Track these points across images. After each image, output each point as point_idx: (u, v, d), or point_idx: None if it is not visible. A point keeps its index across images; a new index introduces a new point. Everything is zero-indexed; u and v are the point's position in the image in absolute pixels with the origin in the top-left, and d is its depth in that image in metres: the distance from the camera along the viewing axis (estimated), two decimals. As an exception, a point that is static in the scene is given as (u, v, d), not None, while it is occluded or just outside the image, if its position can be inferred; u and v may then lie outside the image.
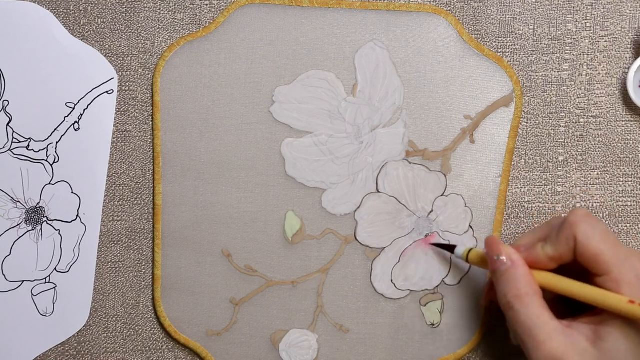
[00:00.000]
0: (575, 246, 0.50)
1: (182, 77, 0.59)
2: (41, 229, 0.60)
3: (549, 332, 0.49)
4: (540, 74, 0.60)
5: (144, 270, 0.61)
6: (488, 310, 0.59)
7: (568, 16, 0.60)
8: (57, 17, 0.60)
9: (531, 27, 0.60)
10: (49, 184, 0.60)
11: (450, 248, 0.58)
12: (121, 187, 0.60)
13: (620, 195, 0.60)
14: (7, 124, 0.60)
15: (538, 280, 0.51)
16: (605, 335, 0.48)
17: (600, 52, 0.60)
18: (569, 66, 0.60)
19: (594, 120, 0.60)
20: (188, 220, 0.60)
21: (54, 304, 0.60)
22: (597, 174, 0.60)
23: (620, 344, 0.48)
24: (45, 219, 0.60)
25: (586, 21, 0.60)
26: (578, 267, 0.51)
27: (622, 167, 0.60)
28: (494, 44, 0.60)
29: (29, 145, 0.60)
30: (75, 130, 0.60)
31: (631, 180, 0.60)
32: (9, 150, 0.60)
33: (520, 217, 0.60)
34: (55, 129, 0.60)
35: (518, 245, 0.53)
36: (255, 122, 0.59)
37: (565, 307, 0.53)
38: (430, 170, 0.59)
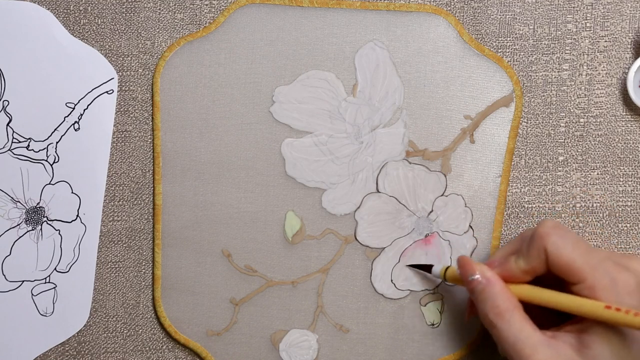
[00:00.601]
0: (547, 258, 0.50)
1: (182, 77, 0.60)
2: (41, 229, 0.60)
3: (534, 345, 0.49)
4: (540, 74, 0.60)
5: (144, 270, 0.61)
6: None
7: (568, 16, 0.60)
8: (57, 17, 0.60)
9: (531, 27, 0.60)
10: (49, 184, 0.60)
11: (427, 268, 0.58)
12: (121, 187, 0.61)
13: (620, 195, 0.60)
14: (7, 124, 0.60)
15: (515, 294, 0.51)
16: (589, 342, 0.48)
17: (600, 52, 0.60)
18: (569, 66, 0.60)
19: (594, 120, 0.60)
20: (188, 220, 0.60)
21: (54, 304, 0.60)
22: (597, 174, 0.60)
23: (605, 350, 0.48)
24: (45, 219, 0.60)
25: (586, 21, 0.60)
26: (553, 277, 0.51)
27: (622, 167, 0.60)
28: (494, 44, 0.60)
29: (29, 145, 0.60)
30: (75, 130, 0.60)
31: (631, 180, 0.60)
32: (9, 150, 0.60)
33: (520, 217, 0.60)
34: (55, 129, 0.60)
35: (491, 261, 0.53)
36: (255, 122, 0.59)
37: (548, 317, 0.53)
38: (430, 170, 0.59)
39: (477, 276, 0.51)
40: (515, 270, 0.51)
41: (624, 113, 0.60)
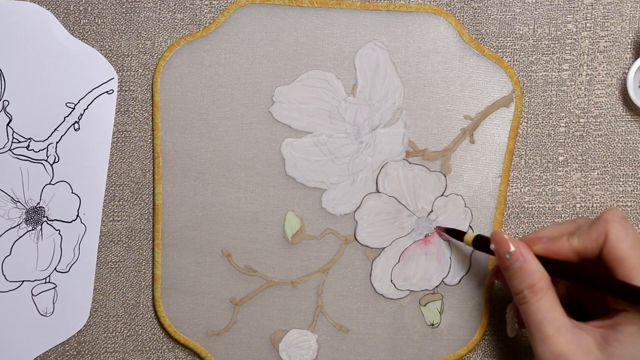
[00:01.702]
0: (604, 244, 0.50)
1: (182, 77, 0.60)
2: (41, 229, 0.60)
3: (558, 327, 0.49)
4: (540, 74, 0.60)
5: (144, 270, 0.61)
6: (488, 308, 0.59)
7: (568, 16, 0.60)
8: (57, 17, 0.60)
9: (531, 27, 0.60)
10: (49, 184, 0.60)
11: (460, 235, 0.57)
12: (121, 187, 0.61)
13: (620, 195, 0.60)
14: (7, 124, 0.60)
15: (559, 269, 0.51)
16: (614, 340, 0.48)
17: (600, 52, 0.60)
18: (569, 66, 0.60)
19: (594, 120, 0.60)
20: (188, 220, 0.60)
21: (54, 304, 0.60)
22: (597, 174, 0.60)
23: (628, 351, 0.48)
24: (45, 219, 0.60)
25: (586, 21, 0.60)
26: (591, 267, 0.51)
27: (622, 167, 0.60)
28: (494, 44, 0.60)
29: (29, 145, 0.60)
30: (75, 130, 0.60)
31: (631, 180, 0.60)
32: (9, 150, 0.60)
33: (520, 217, 0.60)
34: (55, 129, 0.60)
35: (539, 237, 0.52)
36: (255, 122, 0.59)
37: (576, 314, 0.53)
38: (430, 171, 0.59)
39: (514, 251, 0.51)
40: (566, 247, 0.51)
41: (624, 113, 0.60)
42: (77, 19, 0.60)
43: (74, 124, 0.60)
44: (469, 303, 0.59)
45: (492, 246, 0.52)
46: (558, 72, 0.60)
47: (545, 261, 0.51)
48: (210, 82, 0.59)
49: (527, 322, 0.50)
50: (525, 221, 0.60)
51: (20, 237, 0.60)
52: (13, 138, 0.60)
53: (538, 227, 0.60)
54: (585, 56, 0.60)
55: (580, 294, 0.55)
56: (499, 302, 0.60)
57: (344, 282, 0.60)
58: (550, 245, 0.51)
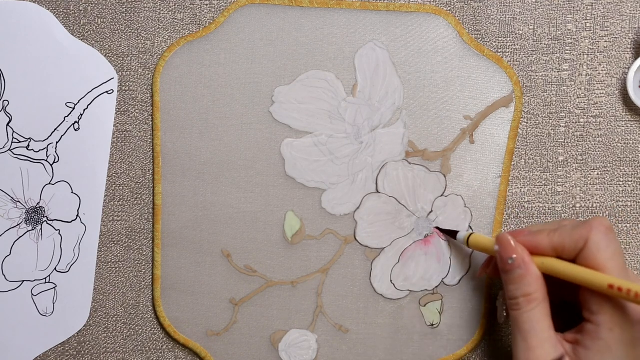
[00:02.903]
0: (583, 249, 0.50)
1: (182, 77, 0.60)
2: (41, 229, 0.60)
3: (542, 341, 0.50)
4: (540, 74, 0.60)
5: (144, 270, 0.61)
6: (487, 311, 0.59)
7: (568, 16, 0.60)
8: (57, 17, 0.60)
9: (531, 27, 0.60)
10: (49, 184, 0.60)
11: (453, 234, 0.58)
12: (121, 187, 0.61)
13: (620, 195, 0.60)
14: (7, 124, 0.60)
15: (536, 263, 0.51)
16: (585, 358, 0.50)
17: (600, 52, 0.59)
18: (569, 66, 0.60)
19: (594, 120, 0.60)
20: (188, 220, 0.60)
21: (54, 304, 0.60)
22: (597, 174, 0.60)
23: None
24: (45, 219, 0.60)
25: (586, 21, 0.59)
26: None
27: (622, 167, 0.60)
28: (494, 44, 0.60)
29: (29, 145, 0.60)
30: (75, 130, 0.60)
31: (631, 180, 0.60)
32: (9, 150, 0.60)
33: (520, 217, 0.60)
34: (55, 129, 0.60)
35: (520, 230, 0.53)
36: (255, 122, 0.59)
37: (567, 316, 0.54)
38: (430, 171, 0.59)
39: (516, 258, 0.51)
40: (545, 242, 0.51)
41: (624, 113, 0.60)
42: (77, 19, 0.60)
43: (74, 124, 0.60)
44: (469, 303, 0.59)
45: (495, 247, 0.52)
46: (558, 72, 0.60)
47: None
48: (210, 82, 0.59)
49: (515, 328, 0.51)
50: (525, 221, 0.60)
51: (20, 237, 0.60)
52: (13, 138, 0.60)
53: (538, 227, 0.60)
54: (585, 56, 0.60)
55: (574, 296, 0.55)
56: (499, 302, 0.60)
57: (344, 282, 0.60)
58: (530, 237, 0.52)
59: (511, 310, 0.51)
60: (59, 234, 0.60)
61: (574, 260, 0.51)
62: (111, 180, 0.61)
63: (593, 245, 0.49)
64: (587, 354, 0.49)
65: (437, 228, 0.59)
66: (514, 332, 0.51)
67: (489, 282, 0.59)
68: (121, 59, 0.60)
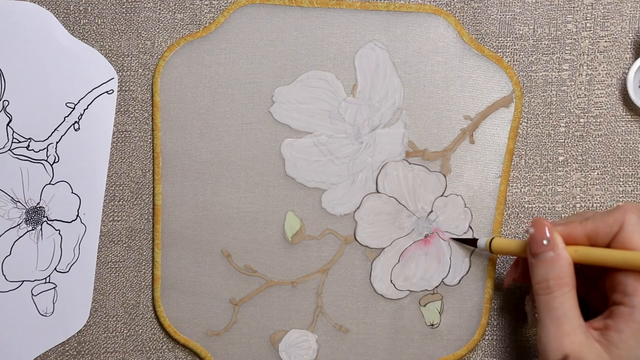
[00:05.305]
0: (619, 232, 0.50)
1: (182, 77, 0.60)
2: (41, 229, 0.60)
3: (575, 327, 0.49)
4: (540, 74, 0.60)
5: (144, 270, 0.61)
6: (488, 308, 0.59)
7: (568, 16, 0.60)
8: (57, 17, 0.60)
9: (531, 27, 0.60)
10: (49, 184, 0.60)
11: (472, 242, 0.58)
12: (121, 187, 0.61)
13: (620, 195, 0.60)
14: (7, 124, 0.60)
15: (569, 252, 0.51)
16: (618, 341, 0.49)
17: (600, 52, 0.59)
18: (569, 66, 0.60)
19: (594, 120, 0.60)
20: (188, 220, 0.60)
21: (54, 304, 0.60)
22: (597, 174, 0.60)
23: (633, 352, 0.48)
24: (45, 219, 0.60)
25: (586, 21, 0.59)
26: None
27: (622, 167, 0.60)
28: (494, 44, 0.60)
29: (29, 145, 0.60)
30: (75, 130, 0.60)
31: (631, 180, 0.60)
32: (9, 150, 0.60)
33: (520, 217, 0.60)
34: (55, 129, 0.60)
35: (555, 222, 0.53)
36: (255, 122, 0.59)
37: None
38: (430, 171, 0.59)
39: (551, 238, 0.51)
40: (578, 230, 0.51)
41: (624, 113, 0.60)
42: (77, 19, 0.60)
43: (74, 124, 0.60)
44: (469, 303, 0.59)
45: (530, 230, 0.51)
46: (558, 72, 0.60)
47: None
48: (210, 82, 0.59)
49: (545, 314, 0.50)
50: (525, 221, 0.60)
51: (20, 237, 0.60)
52: (13, 138, 0.60)
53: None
54: (585, 56, 0.60)
55: (586, 291, 0.55)
56: (499, 302, 0.60)
57: (344, 282, 0.60)
58: (562, 227, 0.51)
59: (540, 295, 0.51)
60: (59, 234, 0.60)
61: (606, 246, 0.50)
62: (111, 180, 0.61)
63: (629, 226, 0.49)
64: (621, 337, 0.49)
65: (453, 239, 0.59)
66: (542, 318, 0.50)
67: (489, 282, 0.59)
68: (121, 59, 0.60)
